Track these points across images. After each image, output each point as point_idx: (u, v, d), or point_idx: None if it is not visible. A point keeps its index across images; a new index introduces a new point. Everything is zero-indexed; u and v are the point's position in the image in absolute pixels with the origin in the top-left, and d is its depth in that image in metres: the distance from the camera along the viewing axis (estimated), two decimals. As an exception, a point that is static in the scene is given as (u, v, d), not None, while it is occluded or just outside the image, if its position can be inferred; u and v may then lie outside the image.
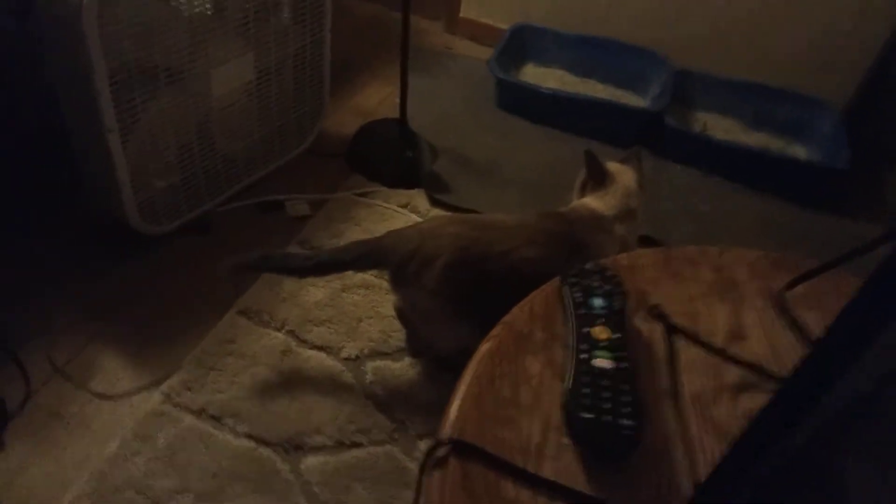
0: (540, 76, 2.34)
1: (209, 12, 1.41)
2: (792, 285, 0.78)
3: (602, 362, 0.66)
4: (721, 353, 0.72)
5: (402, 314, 1.44)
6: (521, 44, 2.36)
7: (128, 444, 1.23)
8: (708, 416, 0.66)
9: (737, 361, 0.71)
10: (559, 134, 2.12)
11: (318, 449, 1.26)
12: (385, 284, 1.51)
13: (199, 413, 1.29)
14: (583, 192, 1.40)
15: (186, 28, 1.39)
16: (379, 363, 1.42)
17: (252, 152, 1.73)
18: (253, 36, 1.55)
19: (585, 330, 0.69)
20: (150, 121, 1.42)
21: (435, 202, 1.81)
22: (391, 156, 1.90)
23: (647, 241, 1.70)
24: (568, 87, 2.28)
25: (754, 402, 0.68)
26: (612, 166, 1.40)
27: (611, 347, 0.67)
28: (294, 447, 1.26)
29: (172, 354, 1.39)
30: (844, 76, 2.13)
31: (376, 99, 2.17)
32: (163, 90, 1.41)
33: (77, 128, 1.41)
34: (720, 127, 2.18)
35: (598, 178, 1.37)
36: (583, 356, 0.66)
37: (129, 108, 1.35)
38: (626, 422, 0.60)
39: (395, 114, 1.89)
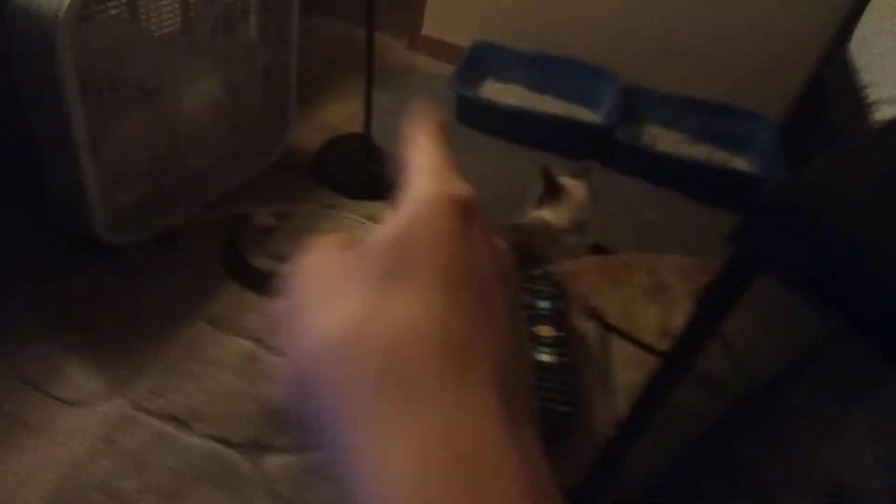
0: (499, 92, 2.43)
1: (179, 33, 1.46)
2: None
3: (545, 357, 0.74)
4: (651, 349, 0.80)
5: None
6: (480, 61, 2.45)
7: (93, 447, 1.27)
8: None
9: (658, 355, 0.80)
10: (517, 147, 2.22)
11: (281, 449, 1.31)
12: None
13: (164, 417, 1.33)
14: (539, 204, 1.50)
15: (157, 47, 1.44)
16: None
17: (220, 167, 1.77)
18: (221, 55, 1.61)
19: (531, 328, 0.77)
20: (120, 136, 1.46)
21: (398, 214, 1.88)
22: (356, 169, 1.96)
23: (596, 249, 1.80)
24: (525, 103, 2.37)
25: (676, 394, 0.77)
26: (566, 181, 1.49)
27: (553, 344, 0.75)
28: (258, 448, 1.31)
29: (138, 362, 1.42)
30: (781, 92, 2.28)
31: (341, 115, 2.23)
32: (134, 106, 1.45)
33: (47, 140, 1.44)
34: (667, 140, 2.30)
35: (552, 193, 1.46)
36: (527, 352, 0.74)
37: (100, 124, 1.39)
38: (563, 409, 0.68)
39: (360, 129, 1.96)
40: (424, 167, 0.25)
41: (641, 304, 0.89)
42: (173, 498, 1.22)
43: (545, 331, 0.78)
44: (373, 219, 1.85)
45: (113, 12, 1.32)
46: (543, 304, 0.82)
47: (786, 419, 0.57)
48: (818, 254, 0.29)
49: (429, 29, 2.65)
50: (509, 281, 0.24)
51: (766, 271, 0.33)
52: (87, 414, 1.33)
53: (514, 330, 0.23)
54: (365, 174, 1.95)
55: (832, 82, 2.10)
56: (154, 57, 1.44)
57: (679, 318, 0.88)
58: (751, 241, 0.33)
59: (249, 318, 1.54)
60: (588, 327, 0.84)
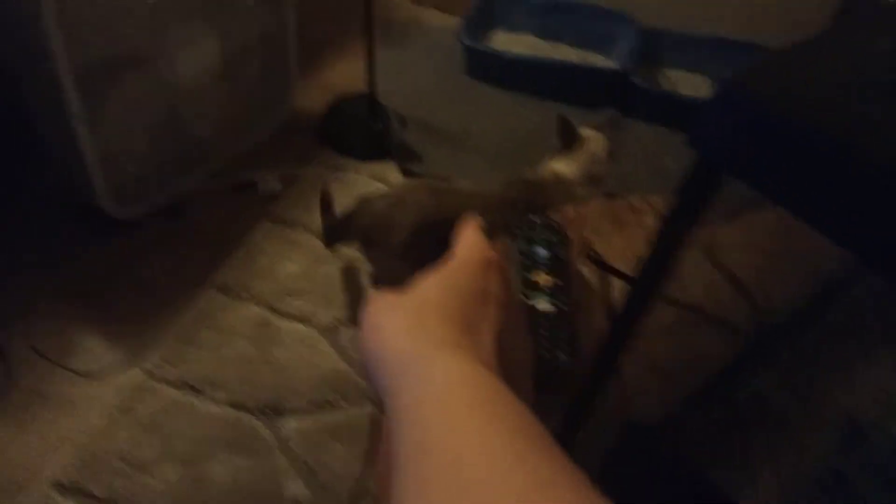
0: (509, 42, 2.35)
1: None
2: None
3: (543, 305, 0.70)
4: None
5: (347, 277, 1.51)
6: (489, 11, 2.36)
7: (111, 417, 1.27)
8: (644, 353, 0.70)
9: (673, 302, 0.75)
10: (529, 99, 2.14)
11: (296, 412, 1.31)
12: (358, 255, 1.54)
13: (180, 385, 1.33)
14: (555, 155, 1.45)
15: (148, 13, 1.40)
16: (354, 330, 1.45)
17: (223, 133, 1.74)
18: (217, 17, 1.56)
19: (529, 277, 0.72)
20: (117, 106, 1.43)
21: (406, 173, 1.84)
22: (360, 129, 1.91)
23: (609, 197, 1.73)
24: (538, 52, 2.29)
25: (691, 339, 0.72)
26: (586, 132, 1.44)
27: (551, 292, 0.71)
28: (273, 411, 1.30)
29: (151, 332, 1.42)
30: (806, 28, 2.15)
31: (347, 76, 2.17)
32: (128, 75, 1.42)
33: (43, 115, 1.42)
34: (689, 84, 2.20)
35: (568, 142, 1.41)
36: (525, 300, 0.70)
37: (94, 95, 1.36)
38: (562, 357, 0.64)
39: (365, 89, 1.90)
40: (468, 237, 0.40)
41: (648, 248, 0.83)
42: (192, 464, 1.22)
43: (543, 278, 0.73)
44: (379, 179, 1.81)
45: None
46: (541, 251, 0.78)
47: (800, 358, 0.52)
48: (782, 151, 0.25)
49: (434, -20, 2.56)
50: (505, 308, 0.37)
51: (731, 173, 0.29)
52: (103, 385, 1.33)
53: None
54: (370, 134, 1.90)
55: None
56: (145, 22, 1.40)
57: (686, 261, 0.83)
58: (711, 140, 0.29)
59: (259, 285, 1.52)
60: (589, 273, 0.79)
